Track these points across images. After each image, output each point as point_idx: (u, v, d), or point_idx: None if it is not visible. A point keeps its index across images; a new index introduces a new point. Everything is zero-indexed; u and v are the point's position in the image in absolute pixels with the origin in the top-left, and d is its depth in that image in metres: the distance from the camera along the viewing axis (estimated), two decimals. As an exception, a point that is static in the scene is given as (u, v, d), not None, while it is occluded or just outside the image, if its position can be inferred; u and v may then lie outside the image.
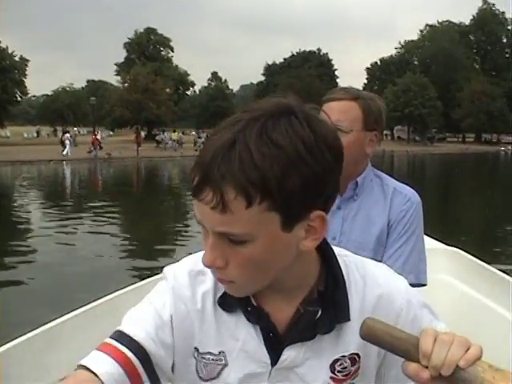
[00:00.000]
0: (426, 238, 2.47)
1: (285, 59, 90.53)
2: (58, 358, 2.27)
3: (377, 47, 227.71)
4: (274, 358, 1.06)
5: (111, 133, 73.77)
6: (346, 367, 1.08)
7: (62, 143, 41.65)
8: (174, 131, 55.09)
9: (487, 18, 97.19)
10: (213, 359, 1.08)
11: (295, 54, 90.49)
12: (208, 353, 1.08)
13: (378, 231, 2.05)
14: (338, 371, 1.08)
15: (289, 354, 1.05)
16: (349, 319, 1.05)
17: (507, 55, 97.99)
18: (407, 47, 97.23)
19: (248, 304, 1.06)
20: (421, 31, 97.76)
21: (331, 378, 1.07)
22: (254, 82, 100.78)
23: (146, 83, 62.75)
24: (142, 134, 61.41)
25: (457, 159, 52.77)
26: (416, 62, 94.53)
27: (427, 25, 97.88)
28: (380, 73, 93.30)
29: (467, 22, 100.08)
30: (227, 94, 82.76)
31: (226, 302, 1.07)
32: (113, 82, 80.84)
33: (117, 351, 1.02)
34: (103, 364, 0.99)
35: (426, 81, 77.32)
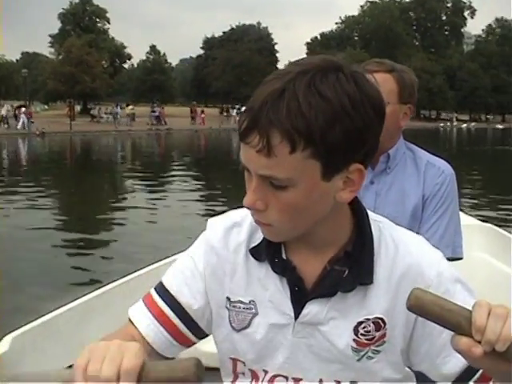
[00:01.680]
0: (461, 214, 2.65)
1: (224, 33, 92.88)
2: (92, 331, 2.40)
3: (317, 22, 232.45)
4: (298, 312, 1.13)
5: (46, 107, 74.92)
6: (369, 331, 1.12)
7: (16, 117, 43.93)
8: (128, 105, 57.18)
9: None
10: (244, 308, 1.18)
11: (234, 27, 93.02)
12: (239, 301, 1.18)
13: (413, 206, 2.11)
14: (362, 334, 1.12)
15: (311, 308, 1.12)
16: (371, 282, 1.11)
17: (446, 32, 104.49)
18: (348, 22, 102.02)
19: (277, 255, 1.15)
20: (361, 7, 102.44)
21: (354, 340, 1.12)
22: (194, 55, 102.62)
23: (80, 55, 63.85)
24: (78, 108, 63.38)
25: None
26: (356, 38, 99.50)
27: (368, 1, 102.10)
28: (320, 48, 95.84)
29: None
30: (165, 68, 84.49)
31: (258, 252, 1.16)
32: (48, 54, 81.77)
33: (154, 305, 1.23)
34: (142, 317, 1.22)
35: (366, 56, 79.17)
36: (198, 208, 12.73)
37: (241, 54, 74.84)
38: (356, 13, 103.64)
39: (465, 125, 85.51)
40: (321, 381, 1.15)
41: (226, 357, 1.23)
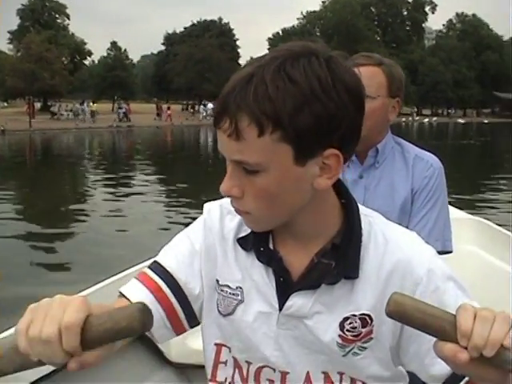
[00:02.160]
0: (451, 208, 2.70)
1: (185, 28, 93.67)
2: None
3: (279, 18, 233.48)
4: (282, 303, 1.14)
5: (5, 104, 74.84)
6: (355, 327, 1.11)
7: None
8: (94, 102, 57.69)
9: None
10: (230, 293, 1.19)
11: (196, 23, 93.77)
12: (226, 285, 1.20)
13: (402, 199, 2.15)
14: (348, 330, 1.11)
15: (295, 300, 1.13)
16: (357, 276, 1.10)
17: (407, 28, 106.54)
18: (309, 18, 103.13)
19: (263, 245, 1.16)
20: (323, 2, 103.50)
21: (340, 336, 1.11)
22: (155, 52, 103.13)
23: (39, 52, 63.63)
24: (38, 105, 63.56)
25: None
26: (318, 33, 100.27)
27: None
28: (282, 43, 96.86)
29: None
30: (126, 64, 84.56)
31: (246, 242, 1.18)
32: (6, 50, 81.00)
33: (151, 280, 1.20)
34: (137, 292, 1.18)
35: None
36: (158, 204, 13.21)
37: (202, 49, 75.28)
38: (317, 8, 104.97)
39: (427, 119, 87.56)
40: (308, 373, 1.16)
41: (212, 342, 1.25)
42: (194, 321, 1.23)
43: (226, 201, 1.22)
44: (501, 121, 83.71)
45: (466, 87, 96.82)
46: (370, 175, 2.21)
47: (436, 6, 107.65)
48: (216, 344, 1.24)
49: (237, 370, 1.22)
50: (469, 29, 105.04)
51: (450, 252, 2.17)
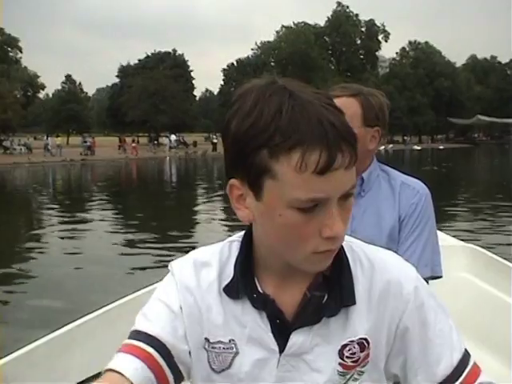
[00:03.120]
0: (443, 235, 3.09)
1: (139, 60, 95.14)
2: (75, 361, 2.46)
3: (233, 48, 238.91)
4: (282, 344, 1.14)
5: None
6: (354, 353, 1.14)
7: None
8: (58, 136, 59.15)
9: (341, 20, 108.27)
10: (224, 348, 1.17)
11: (150, 55, 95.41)
12: (219, 342, 1.17)
13: (389, 227, 2.19)
14: (347, 357, 1.14)
15: (296, 338, 1.13)
16: (354, 303, 1.13)
17: (361, 56, 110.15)
18: (263, 48, 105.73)
19: (254, 291, 1.15)
20: (277, 32, 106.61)
21: (340, 364, 1.14)
22: (110, 84, 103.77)
23: (-10, 86, 64.52)
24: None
25: None
26: (273, 63, 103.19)
27: (283, 26, 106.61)
28: (237, 74, 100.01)
29: (322, 24, 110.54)
30: (81, 97, 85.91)
31: (233, 290, 1.17)
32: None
33: (138, 349, 1.14)
34: (129, 364, 1.12)
35: None
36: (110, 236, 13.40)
37: (156, 81, 76.77)
38: (272, 39, 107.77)
39: (383, 147, 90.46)
40: None
41: None
42: (179, 380, 1.21)
43: (196, 254, 1.25)
44: (455, 146, 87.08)
45: (420, 114, 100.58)
46: (356, 204, 2.19)
47: (389, 34, 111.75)
48: None
49: None
50: (422, 56, 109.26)
51: (440, 277, 2.22)
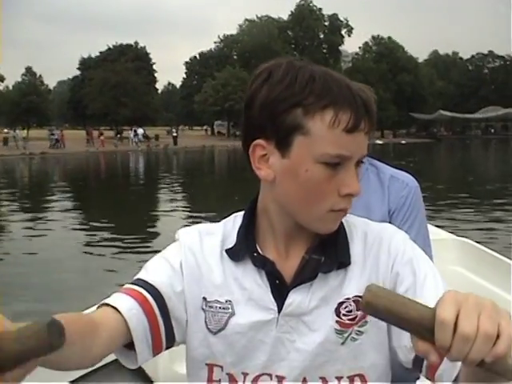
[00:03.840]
0: (434, 228, 3.14)
1: (101, 53, 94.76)
2: None
3: (196, 42, 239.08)
4: (281, 304, 1.18)
5: None
6: (351, 310, 1.17)
7: None
8: (24, 128, 58.99)
9: (305, 14, 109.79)
10: (220, 307, 1.22)
11: (111, 47, 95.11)
12: (215, 301, 1.22)
13: (379, 220, 2.08)
14: (344, 314, 1.17)
15: (294, 297, 1.18)
16: (349, 262, 1.19)
17: (324, 50, 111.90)
18: (226, 42, 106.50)
19: (255, 251, 1.22)
20: (240, 26, 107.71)
21: (337, 321, 1.17)
22: (71, 77, 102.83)
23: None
24: None
25: None
26: (235, 57, 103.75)
27: (246, 19, 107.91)
28: (199, 67, 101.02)
29: (286, 18, 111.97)
30: (42, 90, 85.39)
31: (235, 252, 1.23)
32: None
33: (136, 292, 1.19)
34: (123, 301, 1.16)
35: (246, 75, 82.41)
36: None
37: (118, 74, 76.57)
38: (235, 32, 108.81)
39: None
40: (304, 380, 1.18)
41: (202, 364, 1.25)
42: (171, 340, 1.23)
43: (202, 225, 1.34)
44: (417, 141, 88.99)
45: (382, 109, 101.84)
46: None
47: (352, 28, 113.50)
48: (207, 364, 1.24)
49: None
50: (384, 51, 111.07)
51: None
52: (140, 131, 63.17)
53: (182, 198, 20.02)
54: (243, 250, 1.23)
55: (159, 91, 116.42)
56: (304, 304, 1.18)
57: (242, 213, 1.31)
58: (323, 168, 1.11)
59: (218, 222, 1.34)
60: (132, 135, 63.25)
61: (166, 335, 1.21)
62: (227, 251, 1.25)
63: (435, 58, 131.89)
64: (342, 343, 1.17)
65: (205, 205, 17.55)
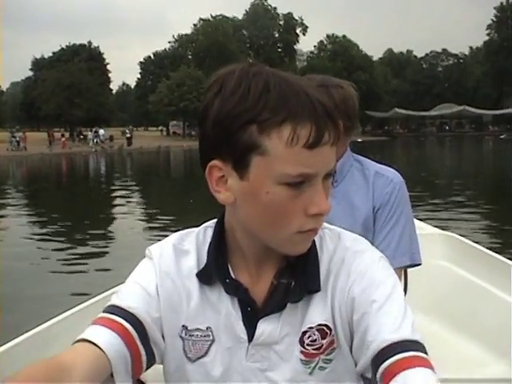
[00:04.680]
0: (421, 223, 3.12)
1: (54, 53, 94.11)
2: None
3: (151, 42, 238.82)
4: (251, 333, 1.14)
5: None
6: (315, 340, 1.13)
7: None
8: None
9: (259, 13, 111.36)
10: (201, 335, 1.18)
11: (64, 47, 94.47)
12: (196, 329, 1.18)
13: (363, 217, 2.19)
14: (308, 344, 1.13)
15: (264, 327, 1.14)
16: (319, 289, 1.13)
17: (279, 49, 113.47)
18: (181, 41, 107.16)
19: (227, 276, 1.17)
20: (194, 25, 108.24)
21: (302, 352, 1.13)
22: (24, 78, 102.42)
23: None
24: None
25: None
26: (190, 56, 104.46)
27: (201, 19, 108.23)
28: (154, 67, 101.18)
29: (240, 17, 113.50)
30: None
31: (206, 275, 1.18)
32: None
33: (114, 322, 1.11)
34: (103, 335, 1.08)
35: (201, 74, 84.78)
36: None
37: (71, 74, 76.29)
38: (189, 31, 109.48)
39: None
40: None
41: None
42: (151, 362, 1.19)
43: (175, 239, 1.25)
44: (373, 139, 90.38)
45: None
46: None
47: (307, 27, 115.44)
48: None
49: None
50: (339, 50, 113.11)
51: (419, 264, 2.24)
52: (101, 132, 62.90)
53: (137, 201, 19.96)
54: (215, 274, 1.18)
55: (114, 92, 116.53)
56: (275, 333, 1.15)
57: (212, 223, 1.27)
58: (285, 189, 1.04)
59: (179, 230, 1.31)
60: (92, 136, 62.88)
61: (147, 361, 1.18)
62: (198, 274, 1.20)
63: (390, 57, 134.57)
64: (310, 373, 1.15)
65: (160, 208, 17.33)
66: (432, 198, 17.54)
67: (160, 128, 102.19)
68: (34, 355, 2.29)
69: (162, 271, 1.21)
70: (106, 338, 1.10)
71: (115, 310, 1.16)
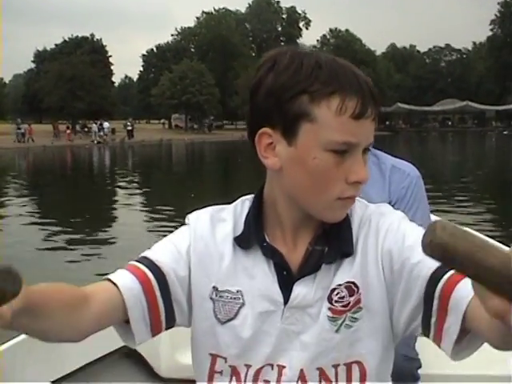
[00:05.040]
0: (437, 218, 2.40)
1: (56, 45, 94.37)
2: (61, 353, 2.41)
3: (153, 35, 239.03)
4: (287, 296, 1.19)
5: None
6: (343, 297, 1.17)
7: None
8: None
9: (262, 7, 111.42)
10: (231, 297, 1.22)
11: (67, 39, 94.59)
12: (226, 291, 1.22)
13: None
14: (336, 301, 1.17)
15: (299, 290, 1.18)
16: (352, 253, 1.19)
17: (282, 43, 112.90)
18: (184, 34, 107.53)
19: (264, 241, 1.23)
20: (197, 18, 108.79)
21: (329, 309, 1.17)
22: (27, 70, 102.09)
23: None
24: None
25: (238, 146, 55.56)
26: (193, 49, 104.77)
27: (204, 12, 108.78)
28: (156, 60, 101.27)
29: (243, 10, 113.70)
30: None
31: (244, 240, 1.23)
32: None
33: (137, 269, 1.20)
34: (123, 277, 1.18)
35: (203, 67, 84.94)
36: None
37: (74, 67, 75.91)
38: (192, 25, 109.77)
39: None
40: (302, 370, 1.18)
41: (205, 353, 1.25)
42: (170, 322, 1.24)
43: (213, 208, 1.33)
44: (376, 134, 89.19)
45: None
46: None
47: (310, 21, 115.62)
48: (211, 354, 1.24)
49: (234, 377, 1.23)
50: (342, 44, 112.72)
51: None
52: (106, 125, 62.00)
53: (139, 194, 19.98)
54: (252, 238, 1.24)
55: (116, 84, 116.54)
56: (309, 296, 1.19)
57: (250, 197, 1.32)
58: (331, 155, 1.12)
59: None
60: (96, 129, 61.90)
61: (165, 316, 1.23)
62: (236, 239, 1.25)
63: (393, 51, 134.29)
64: (337, 331, 1.18)
65: (161, 201, 17.15)
66: (435, 193, 16.96)
67: (162, 121, 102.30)
68: (35, 355, 2.30)
69: (196, 234, 1.27)
70: (125, 280, 1.18)
71: (143, 259, 1.24)
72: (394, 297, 1.16)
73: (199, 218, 1.30)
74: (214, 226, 1.29)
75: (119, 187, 21.62)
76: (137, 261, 1.24)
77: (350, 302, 1.18)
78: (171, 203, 16.29)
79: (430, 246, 0.67)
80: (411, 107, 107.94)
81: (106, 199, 19.32)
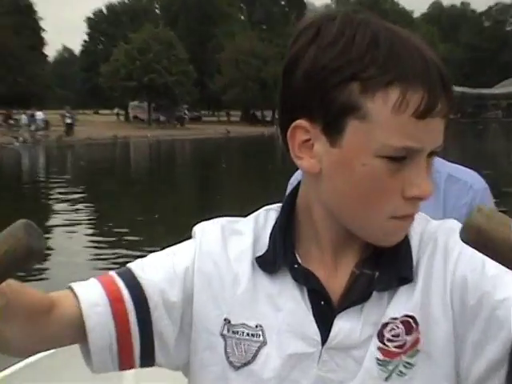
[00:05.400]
0: None
1: None
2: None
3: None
4: (325, 333, 1.21)
5: None
6: (398, 334, 1.18)
7: None
8: None
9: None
10: (248, 334, 1.24)
11: None
12: (242, 325, 1.25)
13: None
14: (389, 340, 1.18)
15: (341, 324, 1.20)
16: (411, 279, 1.21)
17: (283, 2, 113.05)
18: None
19: (295, 262, 1.26)
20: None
21: (379, 348, 1.19)
22: None
23: None
24: None
25: (220, 145, 57.17)
26: (158, 11, 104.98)
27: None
28: (107, 25, 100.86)
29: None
30: None
31: (268, 261, 1.26)
32: None
33: (111, 282, 1.23)
34: (91, 292, 1.21)
35: (173, 36, 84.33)
36: None
37: None
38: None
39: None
40: None
41: None
42: (147, 359, 1.26)
43: (226, 219, 1.38)
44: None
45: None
46: None
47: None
48: None
49: None
50: (366, 2, 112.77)
51: None
52: (39, 115, 59.25)
53: (82, 213, 19.64)
54: (280, 259, 1.25)
55: (50, 59, 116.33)
56: (355, 333, 1.19)
57: (276, 206, 1.36)
58: (384, 162, 1.13)
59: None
60: (26, 121, 59.42)
61: (140, 350, 1.23)
62: (258, 260, 1.27)
63: (437, 12, 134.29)
64: (386, 379, 1.18)
65: (113, 222, 17.60)
66: (500, 207, 17.10)
67: (116, 111, 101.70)
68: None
69: (202, 250, 1.30)
70: (90, 292, 1.22)
71: (124, 272, 1.27)
72: (464, 342, 1.16)
73: (207, 231, 1.33)
74: (225, 239, 1.31)
75: (55, 204, 21.69)
76: (117, 271, 1.27)
77: (405, 342, 1.18)
78: (126, 225, 16.48)
79: (465, 229, 0.80)
80: (464, 89, 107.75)
81: (35, 221, 18.70)
